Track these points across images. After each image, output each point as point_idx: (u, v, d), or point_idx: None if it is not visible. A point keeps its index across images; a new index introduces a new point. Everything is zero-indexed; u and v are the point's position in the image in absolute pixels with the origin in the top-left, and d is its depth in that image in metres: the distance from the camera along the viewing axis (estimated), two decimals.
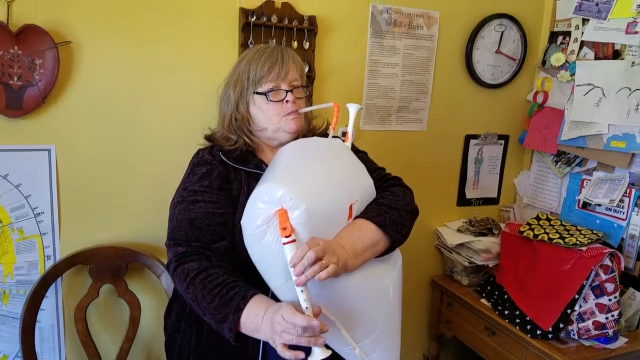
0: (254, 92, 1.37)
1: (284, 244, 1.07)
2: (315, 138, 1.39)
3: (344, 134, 2.02)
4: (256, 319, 1.12)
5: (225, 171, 1.36)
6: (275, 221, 1.10)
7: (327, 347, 1.10)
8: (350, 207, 1.23)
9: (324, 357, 1.08)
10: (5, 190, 1.67)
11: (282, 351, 1.07)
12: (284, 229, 1.06)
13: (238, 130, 1.41)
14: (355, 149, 1.50)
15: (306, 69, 1.76)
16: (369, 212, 1.28)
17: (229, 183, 1.35)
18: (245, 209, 1.16)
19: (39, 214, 1.73)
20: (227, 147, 1.41)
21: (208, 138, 1.49)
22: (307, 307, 1.08)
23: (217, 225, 1.26)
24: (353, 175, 1.30)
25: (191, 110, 1.84)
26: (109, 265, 1.79)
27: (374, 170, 1.46)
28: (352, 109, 1.44)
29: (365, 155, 1.54)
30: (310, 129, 1.50)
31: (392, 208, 1.31)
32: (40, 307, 1.72)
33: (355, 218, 1.26)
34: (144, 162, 1.83)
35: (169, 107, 1.82)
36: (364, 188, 1.32)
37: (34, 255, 1.74)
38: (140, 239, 1.86)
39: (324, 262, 1.07)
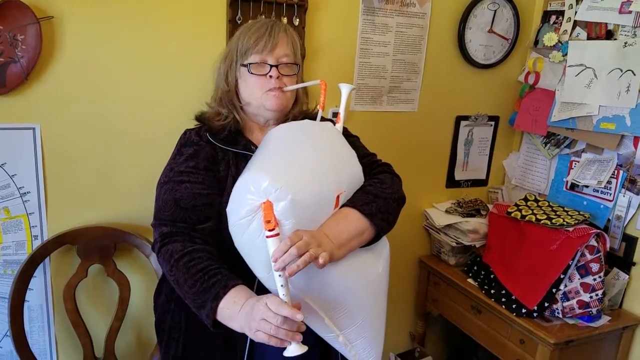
0: (240, 65, 1.35)
1: (267, 237, 1.07)
2: (306, 121, 1.36)
3: (335, 114, 2.01)
4: (235, 307, 1.12)
5: (213, 152, 1.35)
6: (260, 213, 1.09)
7: (303, 343, 1.10)
8: (338, 197, 1.22)
9: (299, 352, 1.08)
10: None
11: (262, 338, 1.07)
12: (268, 222, 1.05)
13: (228, 104, 1.39)
14: (346, 133, 1.47)
15: None
16: (356, 201, 1.26)
17: (216, 164, 1.34)
18: (231, 196, 1.15)
19: (25, 193, 1.70)
20: (216, 124, 1.39)
21: (198, 118, 1.46)
22: (286, 302, 1.08)
23: (203, 206, 1.25)
24: (342, 163, 1.29)
25: (179, 87, 1.82)
26: (97, 245, 1.78)
27: (365, 156, 1.44)
28: (345, 89, 1.40)
29: (356, 140, 1.52)
30: (302, 110, 1.46)
31: (378, 196, 1.29)
32: (29, 287, 1.72)
33: (342, 206, 1.25)
34: (131, 141, 1.80)
35: (157, 84, 1.79)
36: (352, 176, 1.30)
37: (21, 235, 1.73)
38: (128, 218, 1.85)
39: (312, 252, 1.07)
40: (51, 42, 1.62)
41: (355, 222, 1.23)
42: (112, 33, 1.69)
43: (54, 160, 1.71)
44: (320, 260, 1.08)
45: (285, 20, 1.84)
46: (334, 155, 1.27)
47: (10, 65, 1.55)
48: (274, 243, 1.07)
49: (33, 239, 1.75)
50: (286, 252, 1.06)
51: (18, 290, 1.68)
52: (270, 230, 1.06)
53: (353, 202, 1.26)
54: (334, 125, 1.39)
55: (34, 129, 1.66)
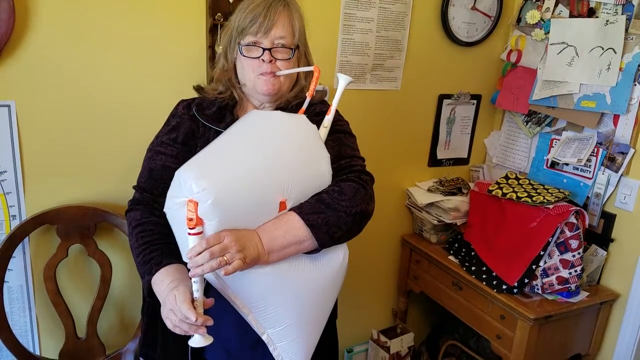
0: (236, 44, 1.31)
1: (188, 234, 1.07)
2: (278, 114, 1.27)
3: (325, 93, 1.99)
4: (160, 285, 1.16)
5: (194, 126, 1.34)
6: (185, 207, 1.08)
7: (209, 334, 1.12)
8: (282, 203, 1.17)
9: (202, 345, 1.11)
10: None
11: (169, 326, 1.12)
12: (190, 220, 1.05)
13: (227, 82, 1.37)
14: (336, 128, 1.38)
15: None
16: (303, 208, 1.19)
17: (194, 139, 1.33)
18: (172, 181, 1.14)
19: (2, 172, 1.67)
20: (209, 98, 1.38)
21: (196, 89, 1.44)
22: (197, 298, 1.09)
23: (169, 180, 1.22)
24: (299, 168, 1.21)
25: (159, 62, 1.78)
26: (78, 225, 1.76)
27: (344, 158, 1.35)
28: (343, 80, 1.34)
29: (345, 137, 1.41)
30: (299, 94, 1.40)
31: (330, 208, 1.20)
32: (8, 267, 1.70)
33: (289, 210, 1.19)
34: (110, 119, 1.77)
35: (136, 58, 1.75)
36: (310, 181, 1.23)
37: None
38: (109, 198, 1.82)
39: (225, 258, 1.07)
40: (25, 16, 1.57)
41: (296, 230, 1.17)
42: (87, 6, 1.64)
43: (30, 138, 1.68)
44: (222, 272, 1.07)
45: None
46: (289, 157, 1.20)
47: None
48: (193, 241, 1.07)
49: (11, 218, 1.72)
50: (200, 253, 1.06)
51: None
52: (191, 228, 1.06)
53: (300, 208, 1.19)
54: (325, 116, 1.33)
55: (9, 106, 1.62)
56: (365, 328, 2.53)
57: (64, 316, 1.80)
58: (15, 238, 1.69)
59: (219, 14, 1.78)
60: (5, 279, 1.70)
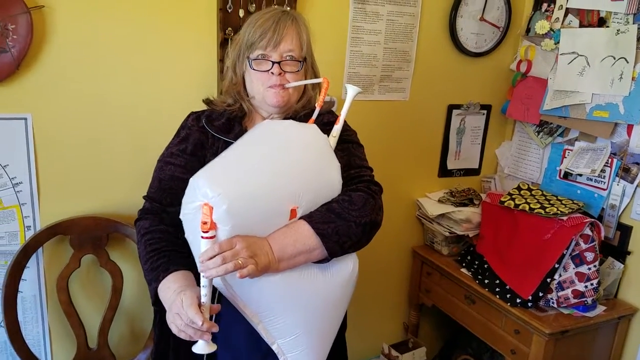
0: (245, 57, 1.34)
1: (202, 237, 1.08)
2: (290, 123, 1.28)
3: (332, 104, 2.00)
4: (167, 292, 1.18)
5: (203, 137, 1.36)
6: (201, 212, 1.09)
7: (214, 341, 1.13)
8: (293, 210, 1.18)
9: (206, 352, 1.12)
10: None
11: (174, 330, 1.12)
12: (204, 223, 1.06)
13: (236, 95, 1.39)
14: (345, 138, 1.39)
15: None
16: (314, 217, 1.20)
17: (203, 150, 1.35)
18: (187, 188, 1.15)
19: (18, 184, 1.71)
20: (218, 110, 1.40)
21: (206, 102, 1.46)
22: (204, 302, 1.10)
23: (177, 190, 1.25)
24: (311, 176, 1.21)
25: (171, 76, 1.82)
26: (90, 236, 1.78)
27: (353, 167, 1.35)
28: (351, 91, 1.34)
29: (353, 147, 1.42)
30: (307, 105, 1.42)
31: (340, 217, 1.21)
32: (22, 277, 1.73)
33: (299, 218, 1.20)
34: (123, 131, 1.81)
35: (148, 73, 1.79)
36: (321, 190, 1.23)
37: (13, 225, 1.74)
38: (121, 208, 1.85)
39: (239, 262, 1.07)
40: (42, 32, 1.62)
41: (306, 238, 1.17)
42: (102, 23, 1.69)
43: (46, 151, 1.72)
44: (238, 275, 1.07)
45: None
46: (302, 166, 1.21)
47: (1, 55, 1.55)
48: (206, 244, 1.08)
49: (26, 229, 1.75)
50: (212, 257, 1.07)
51: (11, 281, 1.69)
52: (204, 232, 1.07)
53: (311, 217, 1.20)
54: (334, 126, 1.34)
55: (25, 119, 1.67)
56: (375, 342, 2.50)
57: (76, 326, 1.82)
58: (30, 248, 1.72)
59: (229, 28, 1.82)
60: (19, 289, 1.73)
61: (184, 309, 1.08)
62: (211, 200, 1.06)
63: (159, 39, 1.77)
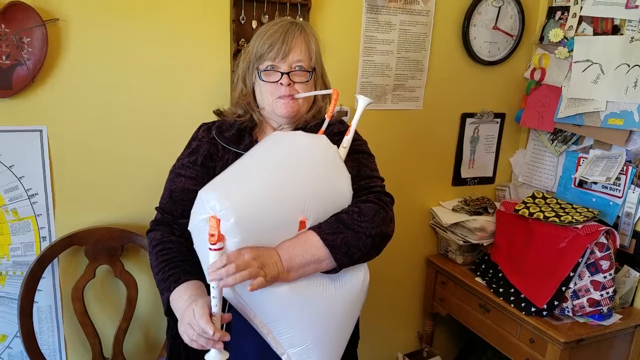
0: (255, 68, 1.35)
1: (210, 249, 1.08)
2: (300, 134, 1.28)
3: (344, 113, 2.00)
4: (178, 302, 1.18)
5: (213, 149, 1.37)
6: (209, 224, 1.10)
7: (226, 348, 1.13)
8: (302, 222, 1.18)
9: None
10: None
11: (186, 340, 1.13)
12: (212, 235, 1.07)
13: (246, 106, 1.40)
14: (355, 148, 1.38)
15: None
16: (323, 227, 1.20)
17: (213, 161, 1.36)
18: (196, 199, 1.15)
19: (33, 195, 1.72)
20: (228, 121, 1.41)
21: (216, 113, 1.47)
22: (215, 313, 1.10)
23: (188, 202, 1.25)
24: (320, 187, 1.21)
25: (184, 88, 1.83)
26: (105, 246, 1.79)
27: (364, 178, 1.35)
28: (362, 101, 1.33)
29: (364, 157, 1.41)
30: (317, 115, 1.42)
31: (349, 228, 1.21)
32: (38, 288, 1.74)
33: (308, 229, 1.20)
34: (136, 142, 1.82)
35: (161, 85, 1.80)
36: (331, 201, 1.23)
37: (29, 236, 1.75)
38: (135, 219, 1.86)
39: (251, 271, 1.07)
40: (57, 45, 1.64)
41: (314, 249, 1.17)
42: (116, 35, 1.71)
43: (60, 162, 1.73)
44: (249, 287, 1.08)
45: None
46: (310, 177, 1.21)
47: (16, 68, 1.57)
48: (214, 256, 1.08)
49: (41, 240, 1.77)
50: (222, 267, 1.07)
51: (27, 291, 1.70)
52: (212, 244, 1.07)
53: (320, 227, 1.20)
54: (345, 137, 1.33)
55: (41, 130, 1.68)
56: (390, 351, 2.50)
57: (91, 336, 1.83)
58: (45, 259, 1.73)
59: (242, 39, 1.83)
60: (35, 299, 1.74)
61: (195, 319, 1.09)
62: (219, 213, 1.07)
63: (173, 51, 1.79)
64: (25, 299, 1.70)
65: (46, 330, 1.83)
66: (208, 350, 1.12)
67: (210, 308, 1.10)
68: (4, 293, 1.75)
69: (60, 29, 1.63)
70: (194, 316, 1.10)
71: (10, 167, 1.67)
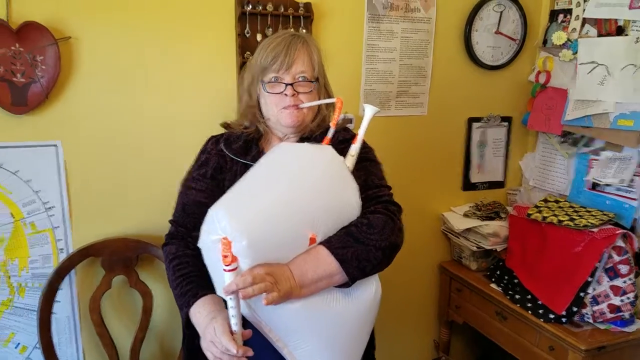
0: (259, 81, 1.38)
1: (224, 270, 1.09)
2: (305, 147, 1.29)
3: (349, 121, 2.04)
4: (198, 316, 1.22)
5: (222, 161, 1.40)
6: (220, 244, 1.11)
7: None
8: (313, 238, 1.19)
9: None
10: (16, 186, 1.72)
11: (210, 357, 1.16)
12: (225, 257, 1.08)
13: (252, 117, 1.43)
14: (362, 156, 1.39)
15: None
16: (332, 242, 1.20)
17: (222, 173, 1.39)
18: (206, 216, 1.17)
19: (50, 208, 1.78)
20: (235, 133, 1.44)
21: (223, 126, 1.51)
22: (236, 330, 1.12)
23: (200, 214, 1.26)
24: (328, 200, 1.22)
25: (194, 101, 1.88)
26: (120, 257, 1.83)
27: (371, 188, 1.35)
28: (369, 110, 1.34)
29: (372, 165, 1.42)
30: (322, 123, 1.44)
31: (359, 242, 1.21)
32: (56, 299, 1.78)
33: (318, 244, 1.20)
34: (149, 154, 1.87)
35: (171, 99, 1.86)
36: (339, 213, 1.24)
37: (47, 248, 1.80)
38: (149, 230, 1.90)
39: (268, 284, 1.09)
40: (69, 62, 1.71)
41: (326, 264, 1.18)
42: (126, 50, 1.77)
43: (76, 175, 1.79)
44: (264, 301, 1.09)
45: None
46: (318, 191, 1.21)
47: (31, 85, 1.64)
48: (229, 277, 1.09)
49: (59, 252, 1.81)
50: (235, 291, 1.08)
51: (46, 302, 1.75)
52: (227, 265, 1.08)
53: (330, 242, 1.20)
54: (352, 145, 1.34)
55: (56, 145, 1.75)
56: None
57: (108, 347, 1.86)
58: (63, 271, 1.77)
59: (247, 52, 1.88)
60: (53, 311, 1.78)
61: (217, 337, 1.12)
62: (231, 235, 1.08)
63: (181, 65, 1.84)
64: (44, 310, 1.74)
65: (65, 341, 1.87)
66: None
67: (230, 325, 1.13)
68: (24, 305, 1.80)
69: (72, 46, 1.70)
70: (215, 334, 1.12)
71: (27, 181, 1.73)
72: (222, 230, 1.09)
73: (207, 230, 1.15)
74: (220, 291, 1.18)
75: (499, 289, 2.13)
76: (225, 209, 1.12)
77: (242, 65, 1.88)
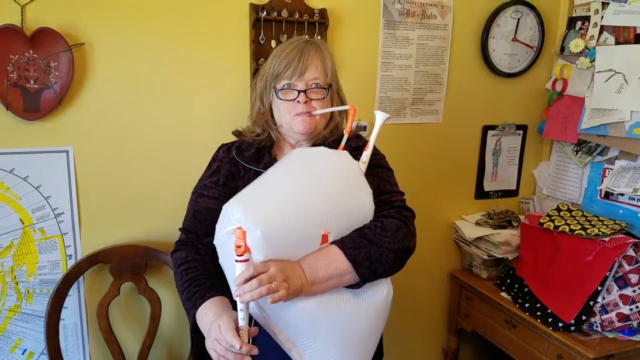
0: (272, 87, 1.37)
1: (236, 261, 1.09)
2: (322, 150, 1.29)
3: (362, 128, 2.02)
4: (205, 318, 1.20)
5: (234, 169, 1.39)
6: (234, 236, 1.10)
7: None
8: (325, 236, 1.19)
9: None
10: (26, 191, 1.71)
11: (213, 356, 1.14)
12: (238, 247, 1.07)
13: (264, 124, 1.42)
14: (374, 162, 1.39)
15: None
16: (346, 242, 1.20)
17: (234, 180, 1.38)
18: (220, 214, 1.17)
19: (60, 214, 1.76)
20: (247, 141, 1.43)
21: (235, 133, 1.50)
22: (242, 326, 1.11)
23: (212, 221, 1.27)
24: (342, 202, 1.22)
25: (208, 108, 1.86)
26: (129, 264, 1.82)
27: (384, 193, 1.35)
28: (379, 117, 1.34)
29: (383, 172, 1.42)
30: (335, 130, 1.43)
31: (372, 243, 1.21)
32: (64, 306, 1.77)
33: (331, 243, 1.20)
34: (160, 161, 1.85)
35: (185, 106, 1.84)
36: (353, 215, 1.23)
37: (55, 254, 1.78)
38: (158, 237, 1.88)
39: (273, 285, 1.07)
40: (83, 68, 1.69)
41: (337, 263, 1.18)
42: (139, 57, 1.75)
43: (86, 182, 1.77)
44: (270, 299, 1.07)
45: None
46: (332, 192, 1.21)
47: (44, 92, 1.62)
48: (240, 268, 1.09)
49: (67, 258, 1.80)
50: (248, 280, 1.07)
51: (53, 308, 1.73)
52: (239, 255, 1.08)
53: (342, 242, 1.20)
54: (364, 152, 1.34)
55: (67, 151, 1.73)
56: None
57: (116, 353, 1.84)
58: (71, 277, 1.76)
59: (262, 59, 1.85)
60: (61, 317, 1.76)
61: (222, 334, 1.10)
62: (245, 226, 1.08)
63: (195, 72, 1.82)
64: (51, 316, 1.73)
65: (72, 348, 1.85)
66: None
67: (236, 322, 1.11)
68: (31, 311, 1.78)
69: (86, 52, 1.68)
70: (219, 331, 1.11)
71: (37, 187, 1.72)
72: (237, 221, 1.09)
73: (221, 226, 1.15)
74: (232, 287, 1.16)
75: (509, 297, 2.12)
76: (240, 202, 1.13)
77: (255, 71, 1.85)
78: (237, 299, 1.09)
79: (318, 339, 1.20)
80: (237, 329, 1.10)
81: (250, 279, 1.07)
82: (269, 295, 1.07)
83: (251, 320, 1.19)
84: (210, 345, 1.13)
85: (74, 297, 1.82)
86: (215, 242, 1.19)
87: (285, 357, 1.23)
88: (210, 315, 1.18)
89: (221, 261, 1.21)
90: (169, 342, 1.99)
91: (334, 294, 1.21)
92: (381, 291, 1.28)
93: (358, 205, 1.25)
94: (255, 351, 1.10)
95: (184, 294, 1.28)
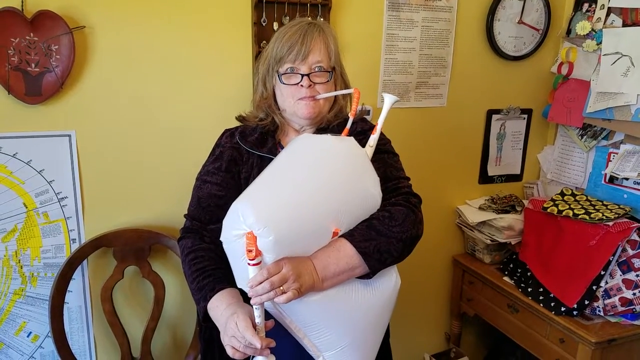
0: (275, 71, 1.35)
1: (249, 264, 1.09)
2: (328, 138, 1.26)
3: (366, 112, 2.00)
4: (216, 310, 1.20)
5: (237, 154, 1.38)
6: (244, 238, 1.10)
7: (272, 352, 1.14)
8: (336, 232, 1.19)
9: None
10: (29, 176, 1.71)
11: (231, 352, 1.14)
12: (250, 251, 1.07)
13: (267, 109, 1.41)
14: (380, 148, 1.37)
15: None
16: (355, 234, 1.20)
17: (237, 166, 1.37)
18: (228, 211, 1.15)
19: (63, 198, 1.76)
20: (250, 126, 1.42)
21: (238, 118, 1.49)
22: (259, 323, 1.12)
23: (216, 207, 1.29)
24: (351, 192, 1.21)
25: (209, 91, 1.85)
26: (133, 247, 1.82)
27: (391, 179, 1.35)
28: (388, 99, 1.32)
29: (389, 157, 1.41)
30: (339, 114, 1.42)
31: (381, 234, 1.21)
32: (68, 289, 1.78)
33: (340, 236, 1.20)
34: (163, 145, 1.84)
35: (186, 89, 1.82)
36: (361, 205, 1.23)
37: (59, 238, 1.79)
38: (162, 221, 1.89)
39: (282, 288, 1.09)
40: (84, 51, 1.67)
41: (348, 257, 1.18)
42: (140, 40, 1.73)
43: (89, 165, 1.77)
44: (280, 300, 1.09)
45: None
46: (341, 183, 1.20)
47: (45, 75, 1.61)
48: (253, 271, 1.09)
49: (71, 242, 1.81)
50: (261, 283, 1.08)
51: (58, 292, 1.74)
52: (251, 260, 1.08)
53: (352, 235, 1.20)
54: (371, 135, 1.32)
55: (69, 135, 1.72)
56: (417, 352, 2.48)
57: (120, 336, 1.86)
58: (75, 261, 1.77)
59: (264, 41, 1.83)
60: (65, 300, 1.78)
61: (240, 332, 1.10)
62: (257, 231, 1.07)
63: (196, 55, 1.81)
64: (56, 299, 1.74)
65: (76, 330, 1.87)
66: (253, 357, 1.14)
67: (252, 319, 1.12)
68: (36, 294, 1.79)
69: (87, 36, 1.67)
70: (237, 329, 1.11)
71: (40, 171, 1.72)
72: (249, 226, 1.08)
73: (230, 225, 1.14)
74: (240, 283, 1.18)
75: (512, 282, 2.13)
76: (252, 204, 1.11)
77: (258, 54, 1.83)
78: (251, 301, 1.10)
79: (329, 328, 1.21)
80: (254, 325, 1.11)
81: (263, 281, 1.08)
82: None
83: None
84: (228, 342, 1.14)
85: (78, 280, 1.83)
86: (222, 239, 1.18)
87: (298, 346, 1.24)
88: (222, 308, 1.19)
89: (229, 258, 1.20)
90: (172, 325, 2.01)
91: (344, 285, 1.22)
92: (390, 280, 1.29)
93: (366, 193, 1.24)
94: (273, 344, 1.11)
95: (194, 284, 1.28)
